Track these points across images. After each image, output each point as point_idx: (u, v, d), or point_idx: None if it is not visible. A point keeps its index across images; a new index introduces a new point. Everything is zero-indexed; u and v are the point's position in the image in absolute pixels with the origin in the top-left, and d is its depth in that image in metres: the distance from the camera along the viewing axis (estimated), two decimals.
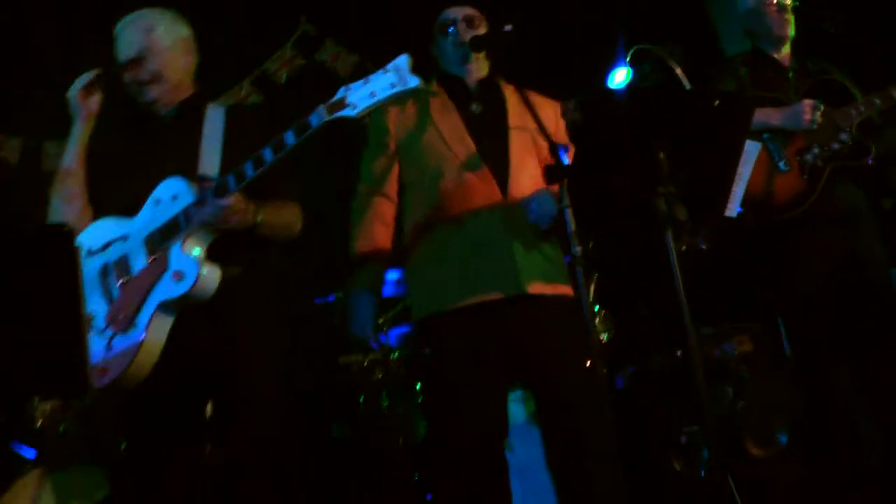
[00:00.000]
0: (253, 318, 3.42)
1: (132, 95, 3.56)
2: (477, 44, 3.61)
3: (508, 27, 3.55)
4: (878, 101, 4.54)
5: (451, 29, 3.74)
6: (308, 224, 3.61)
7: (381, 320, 5.66)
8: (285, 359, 3.52)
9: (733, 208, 3.46)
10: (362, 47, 7.18)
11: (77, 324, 2.37)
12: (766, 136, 4.51)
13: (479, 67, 3.75)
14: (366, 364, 5.51)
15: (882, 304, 4.51)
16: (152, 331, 3.19)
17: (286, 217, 3.50)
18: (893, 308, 4.53)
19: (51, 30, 6.43)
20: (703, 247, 3.53)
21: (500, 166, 3.60)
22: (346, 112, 3.08)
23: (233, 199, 3.20)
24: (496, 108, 3.69)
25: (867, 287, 4.52)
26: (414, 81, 3.07)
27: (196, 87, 3.68)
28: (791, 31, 4.73)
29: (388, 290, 5.83)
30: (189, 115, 3.56)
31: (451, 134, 3.65)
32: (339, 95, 3.11)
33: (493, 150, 3.61)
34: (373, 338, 3.62)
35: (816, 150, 4.50)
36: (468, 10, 3.75)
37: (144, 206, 3.36)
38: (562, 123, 3.80)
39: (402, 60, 3.09)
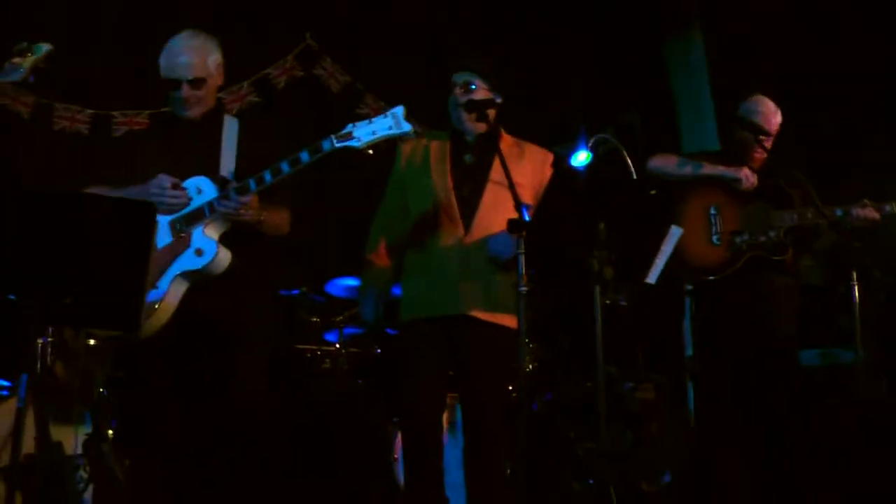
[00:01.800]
0: (248, 293, 4.16)
1: (171, 103, 4.24)
2: (469, 108, 4.36)
3: (499, 99, 4.34)
4: (809, 215, 5.18)
5: (453, 91, 4.47)
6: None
7: (338, 318, 6.44)
8: (269, 331, 4.33)
9: (653, 277, 4.22)
10: (355, 70, 7.88)
11: (143, 277, 3.14)
12: (713, 211, 5.23)
13: (475, 125, 4.44)
14: (319, 353, 6.27)
15: (786, 378, 5.17)
16: (170, 293, 3.98)
17: (281, 219, 4.24)
18: (795, 383, 5.23)
19: None
20: (624, 303, 4.27)
21: (468, 210, 4.36)
22: (352, 143, 3.89)
23: (251, 198, 3.95)
24: (485, 162, 4.42)
25: (773, 359, 5.14)
26: (407, 127, 3.89)
27: (217, 100, 4.39)
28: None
29: (345, 294, 6.61)
30: (211, 123, 4.27)
31: (437, 177, 4.42)
32: (347, 129, 3.91)
33: (468, 197, 4.38)
34: (378, 323, 4.48)
35: (746, 237, 5.19)
36: (467, 77, 4.43)
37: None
38: (548, 171, 4.50)
39: (398, 110, 3.91)
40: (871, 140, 6.97)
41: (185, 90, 4.15)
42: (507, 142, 4.50)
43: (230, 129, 4.28)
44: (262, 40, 7.62)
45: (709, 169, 5.24)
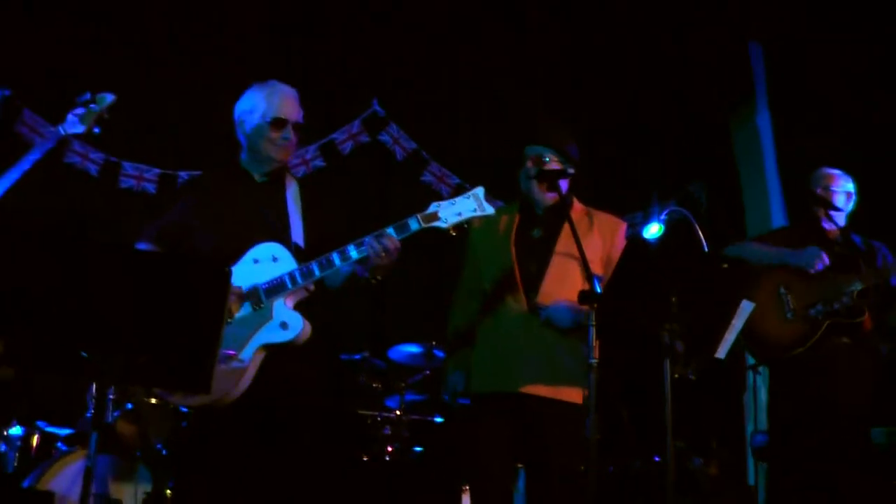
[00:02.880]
0: (314, 361, 4.13)
1: (260, 152, 4.18)
2: (541, 178, 4.37)
3: (572, 170, 4.35)
4: (872, 277, 5.26)
5: (525, 163, 4.49)
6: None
7: (401, 384, 6.44)
8: (335, 395, 4.33)
9: (723, 351, 4.18)
10: (422, 137, 7.96)
11: (216, 340, 3.15)
12: (782, 290, 5.29)
13: (545, 196, 4.45)
14: (379, 420, 6.26)
15: (856, 456, 5.16)
16: (253, 364, 3.95)
17: None
18: (867, 462, 5.21)
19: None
20: (692, 378, 4.21)
21: (532, 285, 4.35)
22: (438, 224, 3.93)
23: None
24: (552, 235, 4.42)
25: (843, 436, 5.14)
26: (490, 210, 3.94)
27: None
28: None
29: (406, 360, 6.61)
30: (276, 183, 4.27)
31: (503, 252, 4.43)
32: (431, 209, 3.94)
33: (534, 272, 4.37)
34: (456, 398, 4.48)
35: (820, 307, 5.24)
36: (540, 150, 4.45)
37: (242, 262, 4.04)
38: (619, 241, 4.47)
39: (480, 191, 3.96)
40: None
41: (291, 132, 4.16)
42: (577, 211, 4.49)
43: (292, 190, 4.27)
44: (329, 104, 7.72)
45: (780, 257, 5.30)
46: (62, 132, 4.30)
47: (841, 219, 5.47)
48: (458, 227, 3.94)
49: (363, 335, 6.85)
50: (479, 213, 3.93)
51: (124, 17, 7.18)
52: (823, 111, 7.55)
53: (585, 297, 3.83)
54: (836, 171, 5.56)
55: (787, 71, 7.91)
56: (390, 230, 3.92)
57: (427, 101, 7.98)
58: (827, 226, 5.47)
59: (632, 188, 7.81)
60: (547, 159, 4.41)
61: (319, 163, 7.72)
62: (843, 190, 5.49)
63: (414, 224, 3.93)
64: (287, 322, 3.97)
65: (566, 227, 4.23)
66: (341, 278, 4.16)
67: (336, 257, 3.94)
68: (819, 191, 5.48)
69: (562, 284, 4.32)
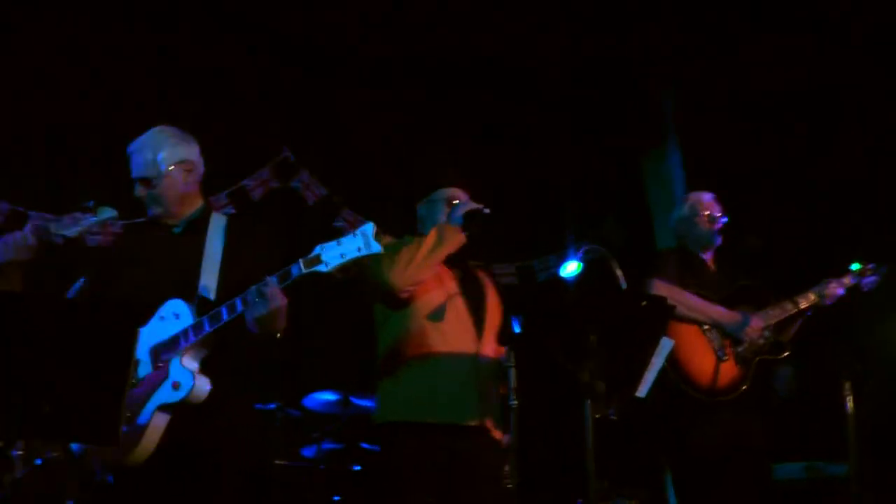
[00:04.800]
0: (229, 415, 3.99)
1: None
2: (468, 218, 4.33)
3: (487, 209, 4.32)
4: (788, 306, 5.40)
5: (436, 204, 4.47)
6: None
7: (315, 434, 6.31)
8: (249, 449, 4.18)
9: (644, 390, 4.15)
10: (333, 183, 7.87)
11: (122, 388, 3.02)
12: (705, 328, 5.33)
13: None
14: (295, 470, 6.12)
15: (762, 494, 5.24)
16: (152, 425, 3.81)
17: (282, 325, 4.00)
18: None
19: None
20: (614, 417, 4.18)
21: (478, 317, 4.31)
22: (320, 268, 3.69)
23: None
24: (473, 271, 4.44)
25: (752, 473, 5.22)
26: (377, 248, 3.66)
27: (203, 200, 4.27)
28: (717, 241, 5.56)
29: (322, 408, 6.49)
30: (194, 231, 4.14)
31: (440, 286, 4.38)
32: (315, 252, 3.73)
33: (476, 304, 4.36)
34: None
35: (745, 345, 5.30)
36: (450, 192, 4.51)
37: (152, 320, 3.95)
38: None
39: (368, 228, 3.69)
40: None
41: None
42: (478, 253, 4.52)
43: (215, 231, 4.14)
44: (240, 151, 7.58)
45: (713, 317, 5.34)
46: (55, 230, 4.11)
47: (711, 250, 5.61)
48: (343, 269, 3.71)
49: (277, 384, 6.69)
50: (363, 253, 3.66)
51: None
52: (730, 149, 7.69)
53: (504, 337, 3.79)
54: (710, 196, 5.68)
55: (696, 111, 8.07)
56: (273, 278, 3.75)
57: (338, 147, 7.90)
58: (703, 257, 5.59)
59: (545, 230, 7.85)
60: (457, 201, 4.40)
61: (230, 210, 7.58)
62: (719, 214, 5.59)
63: (295, 270, 3.74)
64: (179, 381, 3.83)
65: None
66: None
67: (224, 311, 3.81)
68: (703, 217, 5.57)
69: (498, 318, 4.34)
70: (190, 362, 3.88)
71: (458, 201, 4.41)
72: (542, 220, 8.08)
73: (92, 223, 4.03)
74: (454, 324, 4.29)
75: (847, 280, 5.53)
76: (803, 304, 5.43)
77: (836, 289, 5.48)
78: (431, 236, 4.25)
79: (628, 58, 7.85)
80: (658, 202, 8.27)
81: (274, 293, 3.71)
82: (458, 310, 4.31)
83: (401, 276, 4.20)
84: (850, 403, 4.88)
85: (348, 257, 3.67)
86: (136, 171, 4.10)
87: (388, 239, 4.04)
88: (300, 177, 7.85)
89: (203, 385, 3.85)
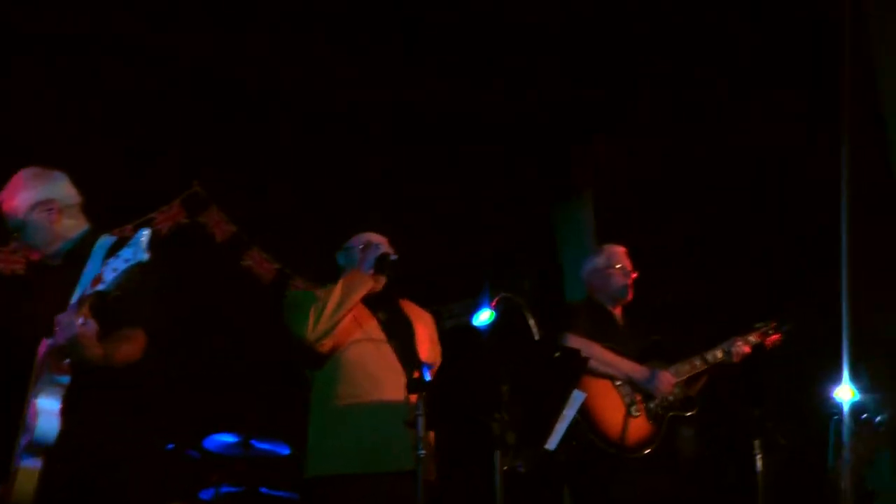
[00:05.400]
0: (118, 452, 3.86)
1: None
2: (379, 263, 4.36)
3: (394, 256, 4.30)
4: (697, 363, 5.47)
5: (352, 250, 4.43)
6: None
7: (213, 476, 6.13)
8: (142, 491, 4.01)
9: (554, 443, 4.11)
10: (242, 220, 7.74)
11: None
12: (617, 382, 5.34)
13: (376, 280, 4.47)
14: None
15: None
16: (22, 470, 3.61)
17: (125, 350, 3.76)
18: None
19: None
20: (522, 470, 4.13)
21: (409, 361, 4.30)
22: (101, 287, 3.39)
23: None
24: (397, 317, 4.43)
25: None
26: (144, 256, 3.27)
27: (84, 226, 4.05)
28: (629, 294, 5.57)
29: (222, 450, 6.32)
30: (73, 262, 3.92)
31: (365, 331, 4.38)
32: (99, 270, 3.42)
33: (406, 348, 4.36)
34: None
35: (657, 400, 5.34)
36: (367, 236, 4.52)
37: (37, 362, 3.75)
38: (434, 332, 4.55)
39: (142, 234, 3.31)
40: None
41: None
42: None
43: (97, 255, 3.82)
44: (149, 184, 7.41)
45: (625, 372, 5.36)
46: None
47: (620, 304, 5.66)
48: (120, 286, 3.36)
49: (176, 424, 6.50)
50: (131, 263, 3.27)
51: None
52: (643, 204, 7.75)
53: (414, 384, 3.71)
54: (623, 249, 5.75)
55: (609, 168, 8.15)
56: (72, 306, 3.55)
57: (249, 185, 7.77)
58: (612, 311, 5.64)
59: (458, 277, 7.81)
60: (377, 244, 4.38)
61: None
62: (630, 268, 5.66)
63: (88, 292, 3.47)
64: (28, 423, 3.63)
65: (406, 310, 4.29)
66: None
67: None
68: (617, 270, 5.61)
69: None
70: (46, 401, 3.61)
71: (371, 245, 4.39)
72: (457, 265, 8.03)
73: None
74: (382, 369, 4.28)
75: (752, 338, 5.60)
76: (711, 361, 5.49)
77: (742, 346, 5.53)
78: (339, 286, 4.31)
79: (542, 112, 7.88)
80: (568, 253, 8.29)
81: (69, 322, 3.49)
82: (385, 354, 4.31)
83: (314, 330, 4.24)
84: (759, 462, 4.89)
85: (119, 270, 3.32)
86: (4, 223, 4.01)
87: (301, 286, 3.99)
88: (209, 213, 7.69)
89: (48, 423, 3.58)
